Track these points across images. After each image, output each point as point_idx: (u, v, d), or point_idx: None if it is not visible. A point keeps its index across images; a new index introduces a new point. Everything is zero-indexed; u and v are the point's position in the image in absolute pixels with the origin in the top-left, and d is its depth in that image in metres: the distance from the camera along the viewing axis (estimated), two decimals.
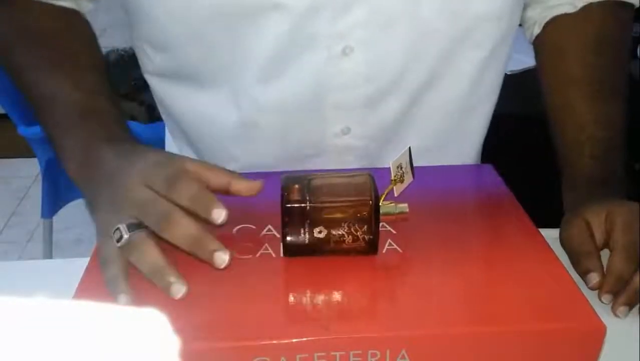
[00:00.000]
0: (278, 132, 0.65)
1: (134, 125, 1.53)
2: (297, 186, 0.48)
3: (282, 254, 0.49)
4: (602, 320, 0.43)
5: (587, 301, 0.45)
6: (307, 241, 0.48)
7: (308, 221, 0.47)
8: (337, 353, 0.41)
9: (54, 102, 0.57)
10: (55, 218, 1.66)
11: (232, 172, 0.50)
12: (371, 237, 0.48)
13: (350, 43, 0.59)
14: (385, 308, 0.45)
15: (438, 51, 0.62)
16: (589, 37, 0.68)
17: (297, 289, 0.46)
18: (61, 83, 0.58)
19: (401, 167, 0.51)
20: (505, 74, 0.71)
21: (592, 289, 0.53)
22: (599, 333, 0.43)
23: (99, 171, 0.51)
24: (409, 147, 0.53)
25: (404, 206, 0.52)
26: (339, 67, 0.60)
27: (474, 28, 0.61)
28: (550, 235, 0.54)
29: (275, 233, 0.52)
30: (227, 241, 0.46)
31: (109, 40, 0.66)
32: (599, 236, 0.56)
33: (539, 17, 0.70)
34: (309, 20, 0.57)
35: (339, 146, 0.66)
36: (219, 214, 0.44)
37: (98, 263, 0.47)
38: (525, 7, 0.69)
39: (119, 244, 0.45)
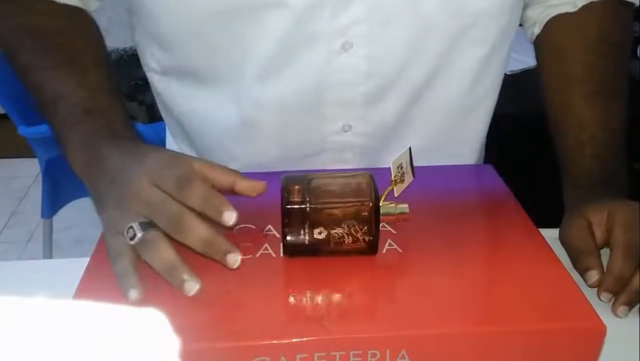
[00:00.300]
0: (278, 131, 0.65)
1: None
2: (297, 186, 0.48)
3: (282, 254, 0.49)
4: (602, 320, 0.43)
5: (587, 301, 0.45)
6: (307, 242, 0.48)
7: (308, 222, 0.47)
8: (337, 353, 0.42)
9: (58, 100, 0.57)
10: (55, 218, 1.66)
11: (236, 172, 0.50)
12: (371, 238, 0.48)
13: (350, 39, 0.59)
14: (385, 308, 0.45)
15: (438, 48, 0.62)
16: (589, 36, 0.68)
17: (297, 289, 0.46)
18: (65, 81, 0.58)
19: (401, 167, 0.51)
20: (505, 74, 0.71)
21: (591, 287, 0.53)
22: (599, 333, 0.43)
23: (104, 168, 0.51)
24: (409, 148, 0.53)
25: (404, 207, 0.52)
26: (338, 63, 0.60)
27: (474, 24, 0.61)
28: (550, 235, 0.54)
29: (275, 233, 0.52)
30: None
31: (109, 40, 0.66)
32: (599, 235, 0.56)
33: (539, 17, 0.70)
34: (309, 17, 0.57)
35: (340, 144, 0.66)
36: (230, 217, 0.45)
37: (108, 258, 0.47)
38: (525, 7, 0.69)
39: (132, 242, 0.46)
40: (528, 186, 0.59)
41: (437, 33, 0.61)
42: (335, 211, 0.47)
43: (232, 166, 0.52)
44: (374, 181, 0.49)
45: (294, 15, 0.57)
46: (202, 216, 0.46)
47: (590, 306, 0.44)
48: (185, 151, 0.73)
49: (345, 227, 0.47)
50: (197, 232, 0.45)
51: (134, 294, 0.44)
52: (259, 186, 0.50)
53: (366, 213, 0.47)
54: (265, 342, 0.41)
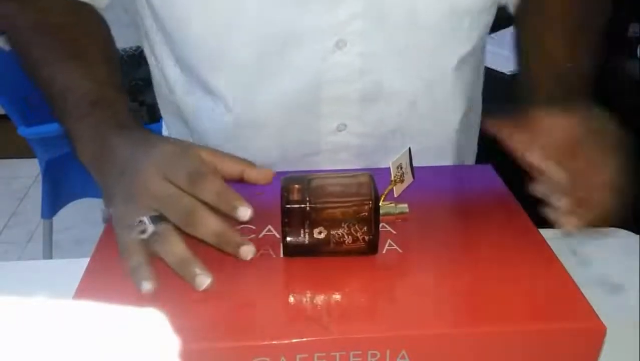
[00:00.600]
0: (277, 130, 0.65)
1: None
2: (297, 186, 0.48)
3: (282, 255, 0.49)
4: (602, 320, 0.43)
5: (587, 301, 0.45)
6: (307, 242, 0.48)
7: (308, 222, 0.47)
8: (337, 353, 0.42)
9: (66, 94, 0.57)
10: (55, 218, 1.66)
11: (245, 160, 0.50)
12: (371, 237, 0.48)
13: (344, 37, 0.59)
14: (385, 308, 0.45)
15: (432, 45, 0.62)
16: None
17: (297, 289, 0.46)
18: (72, 75, 0.58)
19: (401, 168, 0.51)
20: (505, 74, 0.71)
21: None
22: (599, 333, 0.43)
23: (112, 160, 0.51)
24: (409, 148, 0.53)
25: (404, 207, 0.52)
26: (332, 61, 0.61)
27: (463, 22, 0.62)
28: (550, 235, 0.54)
29: (275, 233, 0.52)
30: None
31: None
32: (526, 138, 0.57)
33: None
34: (302, 14, 0.58)
35: (335, 144, 0.66)
36: (245, 212, 0.45)
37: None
38: None
39: (143, 236, 0.46)
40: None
41: (431, 31, 0.61)
42: (335, 211, 0.47)
43: None
44: (374, 181, 0.49)
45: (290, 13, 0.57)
46: (213, 209, 0.46)
47: (590, 306, 0.44)
48: None
49: (345, 227, 0.47)
50: (210, 225, 0.45)
51: (147, 285, 0.44)
52: (267, 173, 0.50)
53: (366, 213, 0.47)
54: (265, 342, 0.41)
